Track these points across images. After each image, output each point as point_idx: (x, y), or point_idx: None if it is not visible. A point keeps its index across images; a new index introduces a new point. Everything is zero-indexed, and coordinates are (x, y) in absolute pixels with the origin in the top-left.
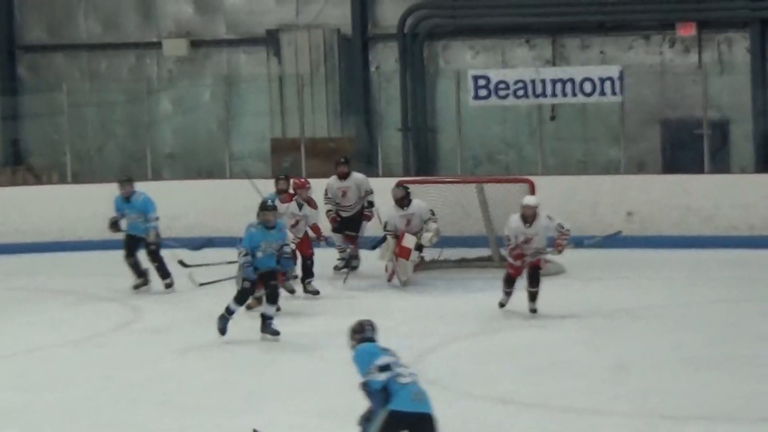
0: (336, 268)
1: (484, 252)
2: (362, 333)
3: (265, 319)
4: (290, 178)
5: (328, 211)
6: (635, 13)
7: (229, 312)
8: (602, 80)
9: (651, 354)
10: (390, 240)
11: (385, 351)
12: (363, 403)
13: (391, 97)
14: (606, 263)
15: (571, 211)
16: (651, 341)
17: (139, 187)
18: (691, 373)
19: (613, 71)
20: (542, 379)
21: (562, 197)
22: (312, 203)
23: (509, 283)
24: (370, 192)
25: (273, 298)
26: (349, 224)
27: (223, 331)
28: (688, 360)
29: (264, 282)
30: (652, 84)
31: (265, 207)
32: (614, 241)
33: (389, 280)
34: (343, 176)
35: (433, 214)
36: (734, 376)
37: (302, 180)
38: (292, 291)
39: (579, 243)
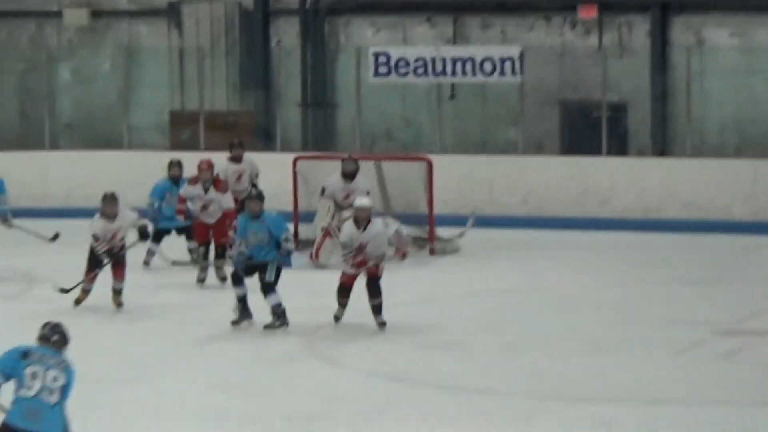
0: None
1: None
2: (42, 330)
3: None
4: (181, 164)
5: None
6: None
7: (240, 300)
8: (502, 60)
9: (545, 335)
10: (330, 204)
11: (36, 360)
12: (258, 376)
13: (291, 73)
14: (502, 243)
15: (468, 191)
16: (546, 322)
17: (37, 157)
18: (585, 354)
19: (514, 51)
20: (435, 357)
21: (459, 177)
22: (220, 186)
23: (344, 293)
24: (257, 174)
25: (264, 289)
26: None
27: (249, 315)
28: (583, 342)
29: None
30: (552, 65)
31: (248, 196)
32: (511, 221)
33: (311, 257)
34: (238, 159)
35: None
36: (628, 358)
37: (205, 161)
38: (223, 278)
39: (423, 246)
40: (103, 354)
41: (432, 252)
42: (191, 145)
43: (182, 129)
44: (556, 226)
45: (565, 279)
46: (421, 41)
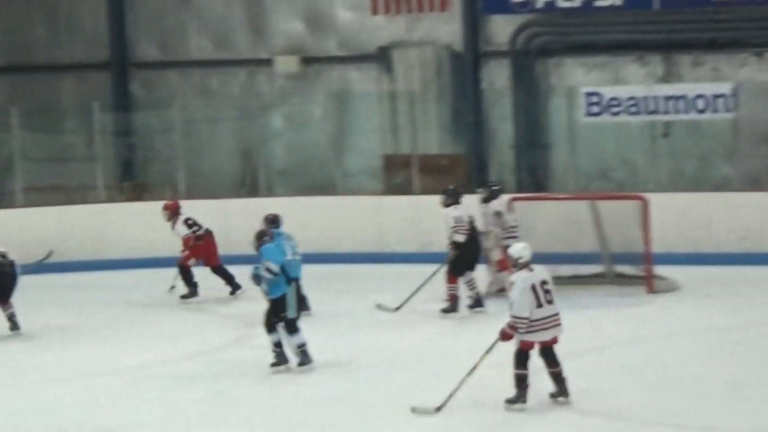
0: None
1: (597, 269)
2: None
3: None
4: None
5: None
6: (748, 30)
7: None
8: (715, 97)
9: (767, 372)
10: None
11: None
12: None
13: (502, 114)
14: (719, 281)
15: (684, 228)
16: (767, 359)
17: (251, 203)
18: None
19: (726, 88)
20: (655, 395)
21: (675, 214)
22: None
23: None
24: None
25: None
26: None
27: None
28: None
29: None
30: (765, 101)
31: None
32: (729, 258)
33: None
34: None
35: None
36: None
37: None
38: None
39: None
40: (319, 402)
41: (650, 290)
42: (405, 189)
43: (395, 173)
44: None
45: None
46: (632, 80)
